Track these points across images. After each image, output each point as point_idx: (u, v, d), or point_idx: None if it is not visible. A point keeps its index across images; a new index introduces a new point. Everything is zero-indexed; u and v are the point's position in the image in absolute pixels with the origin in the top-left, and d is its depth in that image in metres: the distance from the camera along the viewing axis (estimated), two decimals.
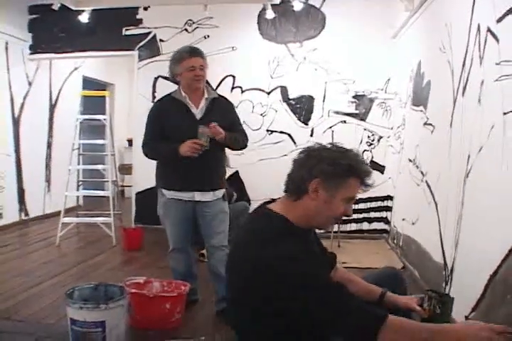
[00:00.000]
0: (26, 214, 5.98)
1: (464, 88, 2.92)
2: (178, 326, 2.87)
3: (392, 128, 5.30)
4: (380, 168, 5.40)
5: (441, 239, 3.22)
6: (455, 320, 2.44)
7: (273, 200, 1.70)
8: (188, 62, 2.88)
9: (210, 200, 2.99)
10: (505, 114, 2.30)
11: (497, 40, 2.43)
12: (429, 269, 3.49)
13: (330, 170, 1.50)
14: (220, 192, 3.05)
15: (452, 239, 2.97)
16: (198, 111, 2.95)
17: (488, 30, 2.54)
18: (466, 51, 2.88)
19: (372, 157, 5.41)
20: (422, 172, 3.90)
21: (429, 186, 3.65)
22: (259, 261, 1.43)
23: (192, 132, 2.84)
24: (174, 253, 3.15)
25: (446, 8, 3.45)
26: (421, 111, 4.02)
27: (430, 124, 3.72)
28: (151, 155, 3.01)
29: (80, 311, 2.33)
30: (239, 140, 3.04)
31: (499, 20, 2.39)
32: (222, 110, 2.98)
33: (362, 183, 1.55)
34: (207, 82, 3.11)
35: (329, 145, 1.59)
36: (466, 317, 2.63)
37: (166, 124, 2.95)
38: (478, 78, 2.68)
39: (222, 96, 3.11)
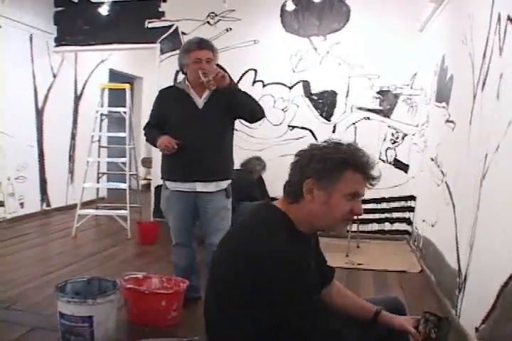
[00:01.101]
0: (48, 205, 6.06)
1: (484, 82, 2.73)
2: (175, 323, 2.80)
3: (417, 126, 5.09)
4: (404, 167, 5.20)
5: (457, 244, 3.04)
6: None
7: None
8: (196, 53, 2.81)
9: (212, 191, 2.90)
10: None
11: None
12: (445, 274, 3.31)
13: (320, 167, 1.39)
14: (224, 184, 2.96)
15: (467, 244, 2.79)
16: (200, 101, 2.89)
17: (509, 18, 2.35)
18: (487, 42, 2.69)
19: (396, 155, 5.21)
20: (442, 172, 3.71)
21: (448, 187, 3.46)
22: (250, 255, 1.34)
23: (193, 121, 2.81)
24: (176, 248, 3.10)
25: None
26: (443, 107, 3.83)
27: (452, 121, 3.53)
28: (146, 139, 3.04)
29: (68, 305, 2.30)
30: (251, 97, 2.90)
31: None
32: (226, 97, 2.84)
33: (363, 176, 1.41)
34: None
35: (322, 143, 1.48)
36: (477, 329, 2.47)
37: (167, 113, 2.92)
38: (497, 71, 2.50)
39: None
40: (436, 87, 4.24)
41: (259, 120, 2.98)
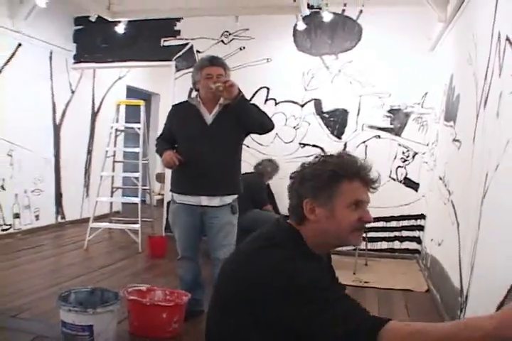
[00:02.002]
0: (63, 218, 6.18)
1: (485, 101, 2.75)
2: (176, 336, 2.84)
3: (427, 145, 5.10)
4: (414, 186, 5.20)
5: (459, 263, 3.03)
6: None
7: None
8: (207, 70, 2.91)
9: (217, 205, 2.96)
10: None
11: None
12: (448, 294, 3.29)
13: (313, 184, 1.36)
14: (229, 199, 3.00)
15: (468, 263, 2.78)
16: (210, 117, 2.97)
17: (507, 38, 2.39)
18: (488, 62, 2.72)
19: (407, 174, 5.21)
20: (448, 191, 3.71)
21: (453, 206, 3.46)
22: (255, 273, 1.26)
23: (202, 137, 2.90)
24: (182, 262, 3.15)
25: (474, 17, 3.30)
26: (451, 126, 3.84)
27: (458, 140, 3.54)
28: (156, 150, 3.12)
29: (69, 314, 2.36)
30: (259, 108, 2.97)
31: None
32: (235, 114, 2.90)
33: (361, 182, 1.36)
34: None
35: (313, 160, 1.45)
36: None
37: (177, 127, 3.03)
38: (497, 90, 2.52)
39: None
40: (444, 106, 4.26)
41: (269, 131, 3.01)
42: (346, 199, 1.34)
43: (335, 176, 1.34)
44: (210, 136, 2.93)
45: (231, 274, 1.38)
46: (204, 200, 2.96)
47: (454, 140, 3.65)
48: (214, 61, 2.94)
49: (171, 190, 3.12)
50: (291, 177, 1.46)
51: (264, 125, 2.95)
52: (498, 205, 2.36)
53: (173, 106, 3.22)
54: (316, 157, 1.46)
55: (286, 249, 1.31)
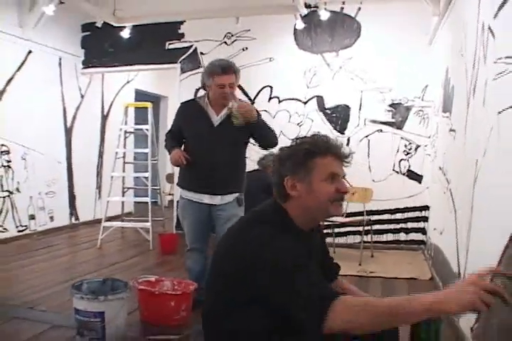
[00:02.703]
0: (77, 219, 6.37)
1: (474, 90, 2.85)
2: (184, 323, 2.96)
3: (429, 137, 5.18)
4: (418, 178, 5.28)
5: (457, 249, 3.12)
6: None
7: None
8: (219, 79, 2.95)
9: (218, 204, 3.08)
10: (499, 113, 2.23)
11: (494, 37, 2.38)
12: (449, 279, 3.38)
13: (290, 163, 1.52)
14: (230, 197, 3.11)
15: (465, 247, 2.88)
16: (217, 119, 3.07)
17: (489, 28, 2.49)
18: (475, 51, 2.82)
19: (410, 166, 5.30)
20: (447, 180, 3.80)
21: (451, 194, 3.55)
22: (247, 252, 1.40)
23: (208, 138, 3.01)
24: (190, 253, 3.28)
25: (463, 9, 3.40)
26: (447, 117, 3.94)
27: (454, 130, 3.63)
28: (165, 145, 3.26)
29: (81, 301, 2.51)
30: (270, 129, 3.09)
31: (495, 16, 2.34)
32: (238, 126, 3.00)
33: (334, 157, 1.52)
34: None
35: (291, 143, 1.60)
36: (471, 329, 2.54)
37: (184, 126, 3.15)
38: (483, 78, 2.62)
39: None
40: (442, 98, 4.35)
41: (271, 148, 3.16)
42: (321, 173, 1.49)
43: (309, 153, 1.50)
44: (215, 137, 3.04)
45: (224, 249, 1.54)
46: (206, 198, 3.09)
47: (451, 130, 3.74)
48: (226, 69, 2.95)
49: (177, 184, 3.26)
50: (273, 160, 1.62)
51: (270, 145, 3.11)
52: (486, 190, 2.46)
53: (181, 103, 3.32)
54: (293, 140, 1.62)
55: (272, 225, 1.46)
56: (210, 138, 3.03)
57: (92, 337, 2.51)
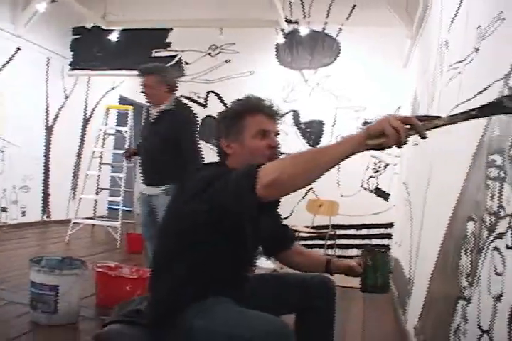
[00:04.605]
0: (48, 216, 6.39)
1: (432, 101, 3.04)
2: None
3: (399, 156, 5.37)
4: (385, 195, 5.45)
5: (410, 256, 3.25)
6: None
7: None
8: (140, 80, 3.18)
9: (154, 194, 3.14)
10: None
11: (448, 49, 2.57)
12: (402, 285, 3.49)
13: (223, 125, 1.66)
14: (156, 190, 3.10)
15: (415, 253, 3.00)
16: (154, 115, 3.14)
17: (445, 41, 2.68)
18: (435, 66, 3.02)
19: (378, 184, 5.47)
20: (408, 193, 3.96)
21: (410, 204, 3.70)
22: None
23: (147, 133, 3.20)
24: (147, 243, 3.36)
25: (429, 29, 3.62)
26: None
27: (417, 144, 3.81)
28: None
29: (38, 274, 2.58)
30: None
31: (449, 29, 2.54)
32: (167, 123, 3.04)
33: (263, 115, 1.62)
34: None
35: None
36: (415, 328, 2.64)
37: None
38: (438, 89, 2.80)
39: (179, 110, 3.14)
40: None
41: None
42: (251, 131, 1.61)
43: (238, 113, 1.63)
44: (149, 131, 3.20)
45: (174, 196, 1.75)
46: (145, 189, 3.19)
47: (414, 144, 3.92)
48: (143, 71, 3.25)
49: None
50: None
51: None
52: (434, 193, 2.61)
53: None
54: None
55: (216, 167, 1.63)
56: (148, 133, 3.19)
57: (45, 310, 2.56)
